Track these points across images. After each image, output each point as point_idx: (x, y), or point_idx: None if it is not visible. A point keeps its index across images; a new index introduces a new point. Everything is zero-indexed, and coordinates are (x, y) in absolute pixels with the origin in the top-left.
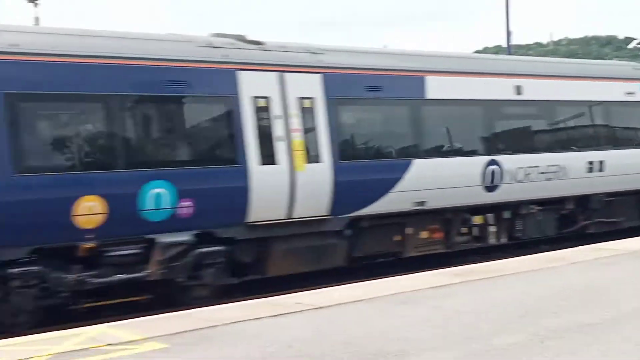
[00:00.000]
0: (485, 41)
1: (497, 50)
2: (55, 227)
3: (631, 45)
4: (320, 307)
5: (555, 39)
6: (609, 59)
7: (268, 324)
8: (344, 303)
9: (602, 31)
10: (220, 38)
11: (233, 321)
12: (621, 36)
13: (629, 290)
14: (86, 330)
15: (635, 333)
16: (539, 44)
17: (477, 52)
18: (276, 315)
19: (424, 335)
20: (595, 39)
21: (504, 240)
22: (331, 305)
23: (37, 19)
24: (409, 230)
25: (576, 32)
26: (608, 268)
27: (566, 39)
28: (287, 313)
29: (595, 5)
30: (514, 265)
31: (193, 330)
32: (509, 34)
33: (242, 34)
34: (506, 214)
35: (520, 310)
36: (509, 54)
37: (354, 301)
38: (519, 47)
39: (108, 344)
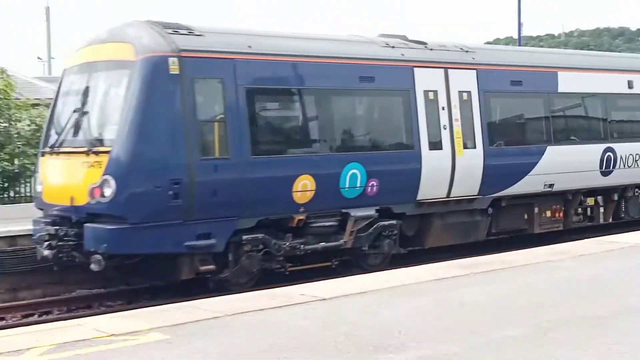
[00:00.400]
0: (497, 32)
1: (508, 41)
2: (280, 201)
3: None
4: (324, 299)
5: (567, 30)
6: (621, 50)
7: (271, 315)
8: (348, 295)
9: (614, 23)
10: (392, 39)
11: (237, 312)
12: (633, 28)
13: (634, 283)
14: (90, 321)
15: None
16: (550, 36)
17: (488, 43)
18: (280, 307)
19: (426, 328)
20: (607, 30)
21: (610, 220)
22: (335, 297)
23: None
24: (536, 210)
25: (588, 24)
26: (613, 261)
27: (577, 30)
28: (291, 304)
29: None
30: (519, 257)
31: (197, 321)
32: (520, 25)
33: (403, 34)
34: (615, 196)
35: (523, 302)
36: (520, 44)
37: (358, 292)
38: (530, 38)
39: (112, 335)
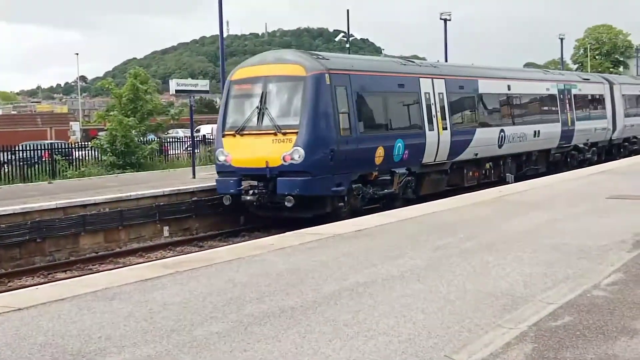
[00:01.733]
0: (203, 30)
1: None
2: (370, 162)
3: (338, 38)
4: (20, 309)
5: (270, 30)
6: (321, 50)
7: None
8: (46, 303)
9: (314, 24)
10: (402, 60)
11: None
12: (331, 29)
13: (330, 273)
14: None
15: (334, 314)
16: (254, 35)
17: (195, 41)
18: None
19: (127, 331)
20: (308, 31)
21: (495, 178)
22: (32, 306)
23: None
24: (465, 171)
25: (290, 24)
26: (312, 252)
27: (280, 30)
28: None
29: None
30: (223, 254)
31: None
32: (221, 23)
33: (400, 55)
34: (501, 162)
35: (225, 298)
36: (222, 44)
37: (57, 300)
38: (235, 37)
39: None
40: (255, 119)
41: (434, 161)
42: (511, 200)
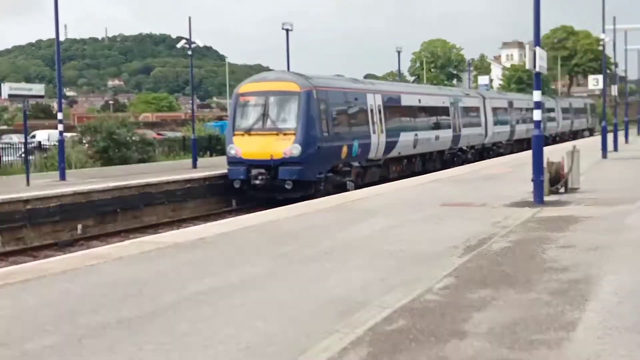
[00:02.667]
0: (40, 33)
1: (51, 43)
2: (338, 156)
3: (180, 45)
4: None
5: (110, 35)
6: (163, 56)
7: None
8: None
9: (156, 29)
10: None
11: None
12: (173, 35)
13: (170, 282)
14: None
15: (173, 324)
16: (94, 39)
17: (31, 44)
18: None
19: None
20: (150, 37)
21: (419, 169)
22: None
23: None
24: (391, 167)
25: (132, 29)
26: (151, 262)
27: (121, 35)
28: None
29: (150, 5)
30: (56, 265)
31: None
32: (57, 26)
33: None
34: (414, 160)
35: (59, 310)
36: (58, 47)
37: None
38: (74, 41)
39: None
40: (260, 123)
41: (375, 157)
42: (353, 208)
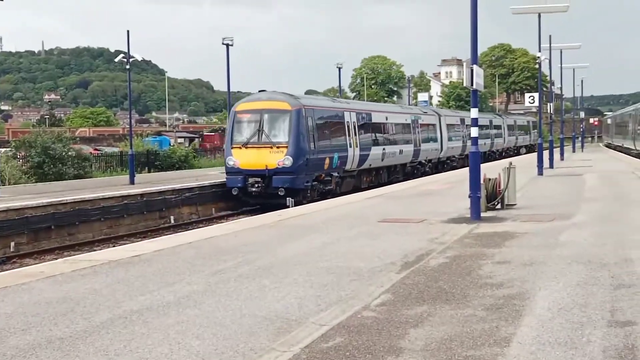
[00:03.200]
0: None
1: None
2: (323, 167)
3: (118, 59)
4: None
5: (47, 48)
6: (101, 69)
7: None
8: None
9: (94, 43)
10: (333, 97)
11: None
12: (112, 49)
13: (103, 300)
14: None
15: (106, 344)
16: (30, 52)
17: None
18: None
19: None
20: (88, 50)
21: (386, 179)
22: None
23: None
24: (363, 177)
25: (69, 43)
26: (84, 279)
27: (58, 48)
28: None
29: (89, 18)
30: None
31: None
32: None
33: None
34: (381, 171)
35: None
36: (340, 95)
37: None
38: (10, 54)
39: None
40: (256, 137)
41: (350, 169)
42: (290, 224)
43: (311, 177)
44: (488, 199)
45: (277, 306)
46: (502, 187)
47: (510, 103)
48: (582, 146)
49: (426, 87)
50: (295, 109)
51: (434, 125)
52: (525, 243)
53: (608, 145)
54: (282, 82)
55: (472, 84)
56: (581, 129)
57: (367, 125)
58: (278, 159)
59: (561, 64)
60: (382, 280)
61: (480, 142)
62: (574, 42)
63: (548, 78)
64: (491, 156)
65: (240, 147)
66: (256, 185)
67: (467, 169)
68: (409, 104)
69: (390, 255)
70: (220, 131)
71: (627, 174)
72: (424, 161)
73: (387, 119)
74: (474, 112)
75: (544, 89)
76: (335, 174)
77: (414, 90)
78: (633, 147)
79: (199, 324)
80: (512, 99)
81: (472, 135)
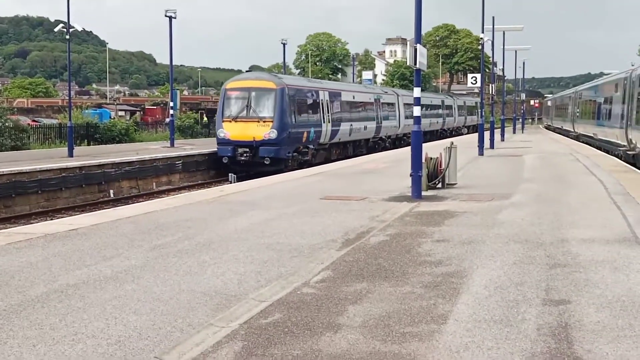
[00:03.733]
0: None
1: None
2: (301, 140)
3: (57, 29)
4: None
5: None
6: (40, 40)
7: None
8: None
9: (34, 12)
10: (310, 78)
11: None
12: (52, 19)
13: (39, 274)
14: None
15: (41, 318)
16: None
17: None
18: None
19: None
20: (27, 19)
21: (352, 153)
22: None
23: None
24: (333, 150)
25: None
26: (20, 253)
27: None
28: None
29: None
30: None
31: None
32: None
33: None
34: (350, 145)
35: None
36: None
37: None
38: None
39: None
40: (245, 112)
41: (323, 142)
42: (231, 200)
43: (292, 149)
44: (429, 178)
45: (216, 282)
46: (443, 166)
47: (453, 83)
48: (523, 127)
49: (371, 66)
50: (280, 88)
51: (393, 104)
52: (465, 222)
53: (548, 127)
54: (226, 57)
55: (415, 63)
56: (522, 111)
57: (337, 104)
58: (264, 131)
59: (503, 46)
60: (323, 257)
61: (433, 120)
62: (518, 24)
63: (491, 59)
64: (443, 134)
65: (230, 121)
66: (244, 154)
67: (405, 149)
68: (353, 82)
69: (331, 233)
70: (162, 105)
71: (565, 156)
72: (384, 137)
73: (354, 97)
74: (416, 91)
75: (487, 70)
76: (311, 147)
77: (358, 68)
78: (572, 129)
79: (136, 299)
80: (456, 79)
81: (414, 115)
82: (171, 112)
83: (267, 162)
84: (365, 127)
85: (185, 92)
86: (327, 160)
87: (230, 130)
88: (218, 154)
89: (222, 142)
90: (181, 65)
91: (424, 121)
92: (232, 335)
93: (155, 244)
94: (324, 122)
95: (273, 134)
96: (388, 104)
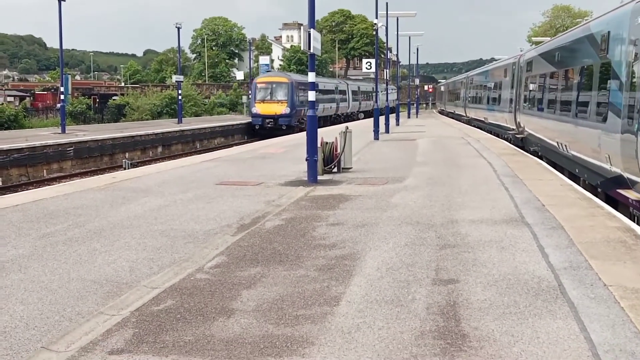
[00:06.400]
0: None
1: None
2: (299, 115)
3: None
4: None
5: None
6: None
7: None
8: None
9: None
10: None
11: None
12: None
13: None
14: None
15: None
16: None
17: None
18: None
19: None
20: None
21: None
22: None
23: None
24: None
25: None
26: None
27: None
28: None
29: None
30: None
31: None
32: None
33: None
34: (322, 119)
35: None
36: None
37: None
38: None
39: None
40: (269, 96)
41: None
42: (124, 187)
43: (296, 120)
44: (325, 163)
45: (107, 270)
46: (338, 151)
47: (349, 69)
48: (417, 112)
49: (268, 51)
50: (290, 82)
51: (344, 91)
52: (359, 205)
53: (441, 112)
54: (119, 41)
55: (309, 48)
56: (416, 96)
57: (320, 91)
58: (282, 109)
59: (397, 32)
60: (217, 243)
61: (326, 105)
62: (411, 10)
63: (385, 45)
64: (337, 120)
65: (260, 102)
66: (269, 123)
67: (301, 134)
68: (250, 67)
69: (227, 218)
70: (53, 90)
71: (457, 139)
72: (340, 114)
73: (325, 87)
74: (311, 76)
75: (381, 55)
76: (305, 120)
77: (255, 53)
78: (464, 114)
79: (24, 289)
80: (352, 64)
81: (309, 99)
82: (62, 97)
83: (283, 128)
84: (331, 107)
85: (78, 77)
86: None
87: (260, 108)
88: (252, 123)
89: (255, 116)
90: (73, 50)
91: (363, 103)
92: (122, 323)
93: (44, 232)
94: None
95: (287, 110)
96: (342, 90)
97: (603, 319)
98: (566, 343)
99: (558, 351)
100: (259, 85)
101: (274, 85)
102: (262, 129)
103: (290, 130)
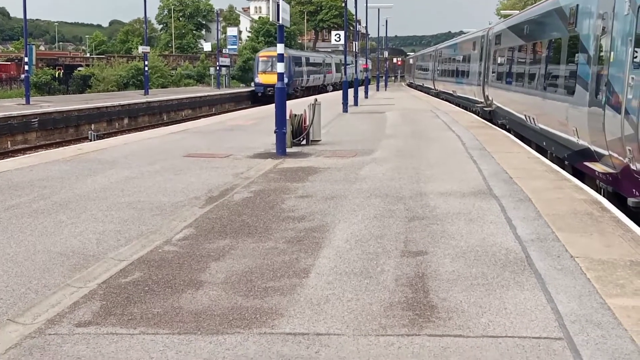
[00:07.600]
0: None
1: None
2: (295, 84)
3: None
4: None
5: None
6: None
7: None
8: None
9: None
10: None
11: None
12: None
13: None
14: None
15: None
16: None
17: None
18: None
19: None
20: None
21: (314, 93)
22: None
23: None
24: (306, 91)
25: None
26: None
27: None
28: None
29: None
30: None
31: None
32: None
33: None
34: (311, 89)
35: None
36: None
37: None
38: None
39: None
40: (271, 68)
41: (304, 86)
42: (90, 158)
43: (293, 89)
44: (294, 135)
45: (73, 242)
46: (307, 123)
47: (318, 41)
48: (386, 85)
49: (235, 22)
50: (288, 56)
51: (330, 64)
52: (328, 177)
53: (410, 85)
54: (86, 11)
55: (278, 19)
56: (385, 69)
57: (309, 64)
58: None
59: (367, 3)
60: (185, 215)
61: (316, 77)
62: None
63: (354, 17)
64: (324, 89)
65: (263, 73)
66: (270, 91)
67: (270, 106)
68: (217, 39)
69: (195, 190)
70: (16, 61)
71: (426, 112)
72: (326, 84)
73: (315, 60)
74: (280, 48)
75: (350, 27)
76: (299, 88)
77: (223, 24)
78: (432, 87)
79: None
80: (321, 36)
81: (278, 71)
82: (27, 68)
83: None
84: (319, 78)
85: (42, 48)
86: (306, 96)
87: (262, 79)
88: (255, 91)
89: (258, 85)
90: (37, 20)
91: (311, 77)
92: (89, 296)
93: (8, 205)
94: (304, 75)
95: (285, 80)
96: (329, 63)
97: (570, 290)
98: (533, 314)
99: (525, 322)
100: (261, 59)
101: (274, 59)
102: (263, 96)
103: (287, 97)
